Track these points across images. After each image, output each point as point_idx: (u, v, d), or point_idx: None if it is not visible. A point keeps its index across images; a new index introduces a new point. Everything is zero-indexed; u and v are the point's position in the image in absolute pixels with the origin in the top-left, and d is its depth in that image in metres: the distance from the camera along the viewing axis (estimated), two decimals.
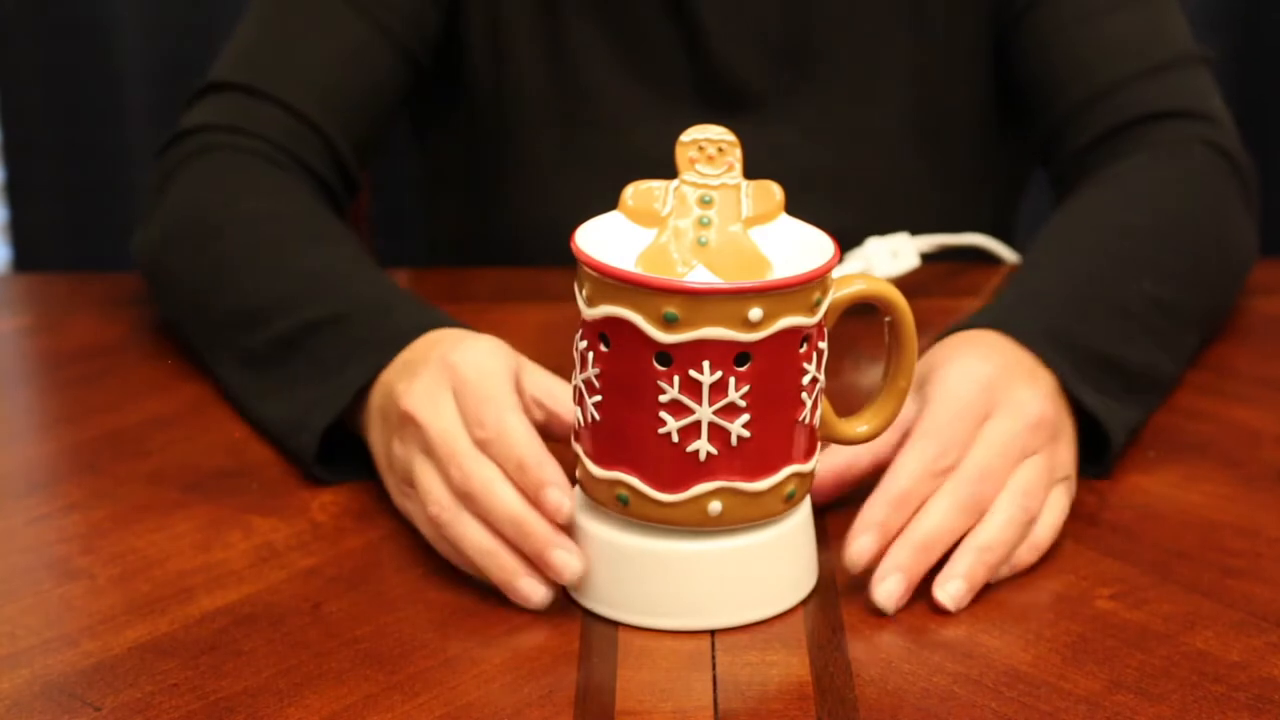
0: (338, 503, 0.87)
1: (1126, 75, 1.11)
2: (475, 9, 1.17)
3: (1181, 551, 0.83)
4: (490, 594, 0.78)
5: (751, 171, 0.77)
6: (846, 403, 0.82)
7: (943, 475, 0.78)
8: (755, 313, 0.71)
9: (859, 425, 0.79)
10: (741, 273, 0.75)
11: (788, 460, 0.75)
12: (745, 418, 0.73)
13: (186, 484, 0.89)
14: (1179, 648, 0.75)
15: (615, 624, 0.76)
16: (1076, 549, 0.83)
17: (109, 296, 1.14)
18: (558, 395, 0.82)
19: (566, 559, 0.76)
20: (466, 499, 0.77)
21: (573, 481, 0.77)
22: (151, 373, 1.02)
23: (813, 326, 0.73)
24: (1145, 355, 0.93)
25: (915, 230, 1.14)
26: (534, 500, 0.75)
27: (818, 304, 0.73)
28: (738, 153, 0.77)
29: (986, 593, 0.79)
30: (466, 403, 0.78)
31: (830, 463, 0.83)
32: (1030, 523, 0.80)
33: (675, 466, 0.74)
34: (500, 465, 0.76)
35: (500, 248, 1.22)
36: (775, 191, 0.77)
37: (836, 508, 0.84)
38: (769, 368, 0.73)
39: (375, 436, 0.85)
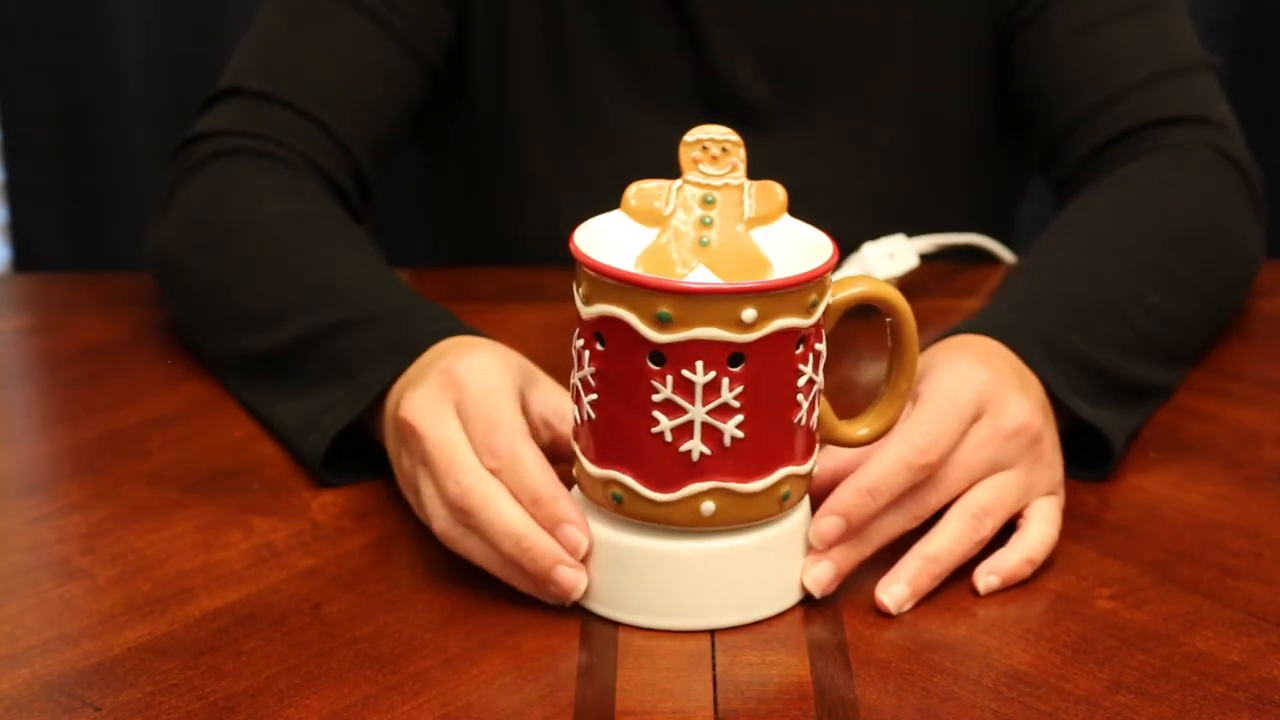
0: (338, 503, 0.87)
1: (1133, 82, 1.11)
2: (480, 20, 1.17)
3: (1181, 551, 0.83)
4: (490, 594, 0.78)
5: None
6: (848, 403, 0.82)
7: (921, 471, 0.77)
8: (748, 313, 0.71)
9: (860, 428, 0.78)
10: (742, 273, 0.75)
11: (783, 462, 0.75)
12: (739, 418, 0.73)
13: (186, 484, 0.89)
14: (1179, 648, 0.75)
15: (615, 624, 0.76)
16: (1076, 549, 0.83)
17: (109, 296, 1.14)
18: (567, 416, 0.81)
19: (574, 576, 0.76)
20: (464, 515, 0.76)
21: (571, 483, 0.78)
22: (151, 373, 1.02)
23: (809, 328, 0.73)
24: (1145, 367, 0.93)
25: (911, 237, 1.14)
26: (551, 535, 0.75)
27: (814, 306, 0.73)
28: (741, 153, 0.77)
29: (987, 593, 0.79)
30: (473, 425, 0.77)
31: (829, 463, 0.83)
32: (980, 542, 0.79)
33: (668, 466, 0.74)
34: (513, 495, 0.76)
35: (501, 258, 1.21)
36: (778, 192, 0.77)
37: None
38: (763, 369, 0.72)
39: (390, 445, 0.84)
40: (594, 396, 0.75)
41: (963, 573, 0.80)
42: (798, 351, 0.73)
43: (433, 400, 0.79)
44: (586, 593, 0.77)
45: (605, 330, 0.73)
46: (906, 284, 1.11)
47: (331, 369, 0.90)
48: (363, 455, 0.88)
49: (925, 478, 0.78)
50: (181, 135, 1.10)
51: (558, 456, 0.80)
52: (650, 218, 0.77)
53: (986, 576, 0.79)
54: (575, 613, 0.77)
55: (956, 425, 0.79)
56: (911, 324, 0.77)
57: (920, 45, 1.17)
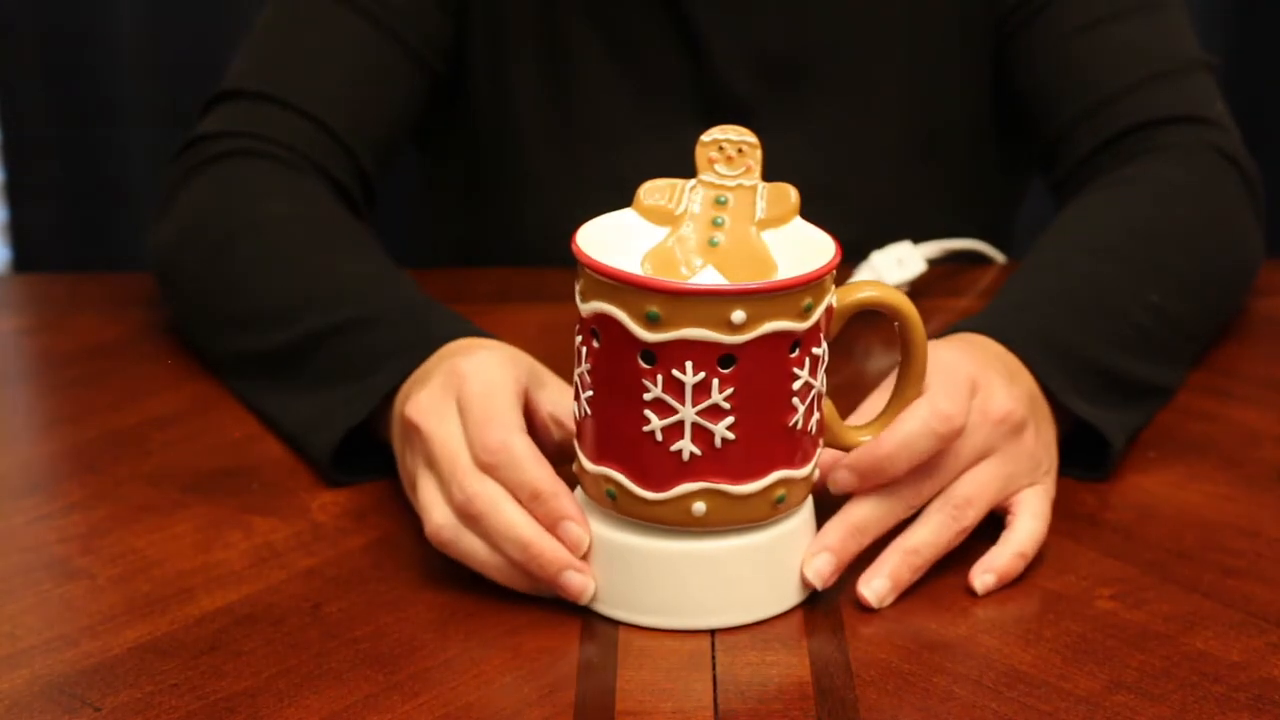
0: (338, 503, 0.87)
1: (1132, 81, 1.11)
2: (479, 23, 1.17)
3: (1181, 551, 0.83)
4: (490, 594, 0.78)
5: None
6: (857, 403, 0.82)
7: (943, 440, 0.77)
8: (738, 315, 0.71)
9: (865, 433, 0.78)
10: (749, 275, 0.75)
11: (776, 465, 0.75)
12: (729, 420, 0.73)
13: (186, 484, 0.89)
14: (1179, 648, 0.75)
15: (615, 624, 0.76)
16: (1076, 549, 0.83)
17: (109, 296, 1.14)
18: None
19: (582, 581, 0.76)
20: (470, 520, 0.76)
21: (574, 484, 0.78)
22: (151, 373, 1.02)
23: (804, 331, 0.73)
24: (1146, 367, 0.93)
25: (916, 242, 1.14)
26: (551, 532, 0.75)
27: (808, 310, 0.73)
28: (758, 154, 0.76)
29: (987, 593, 0.79)
30: (469, 421, 0.77)
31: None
32: (962, 532, 0.79)
33: (659, 465, 0.74)
34: (508, 489, 0.76)
35: (501, 258, 1.21)
36: (791, 194, 0.77)
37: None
38: (755, 371, 0.72)
39: (396, 444, 0.84)
40: (590, 393, 0.75)
41: (962, 573, 0.80)
42: (792, 355, 0.73)
43: (436, 400, 0.79)
44: None
45: (600, 327, 0.73)
46: (913, 289, 1.11)
47: (341, 368, 0.90)
48: (368, 455, 0.88)
49: (951, 440, 0.77)
50: (184, 136, 1.10)
51: (568, 456, 0.80)
52: (661, 217, 0.77)
53: (983, 576, 0.79)
54: (575, 612, 0.77)
55: (968, 397, 0.78)
56: (920, 329, 0.76)
57: (918, 46, 1.17)
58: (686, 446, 0.73)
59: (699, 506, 0.74)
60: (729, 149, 0.76)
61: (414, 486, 0.80)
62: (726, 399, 0.72)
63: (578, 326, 0.75)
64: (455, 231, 1.30)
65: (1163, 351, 0.95)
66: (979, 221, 1.22)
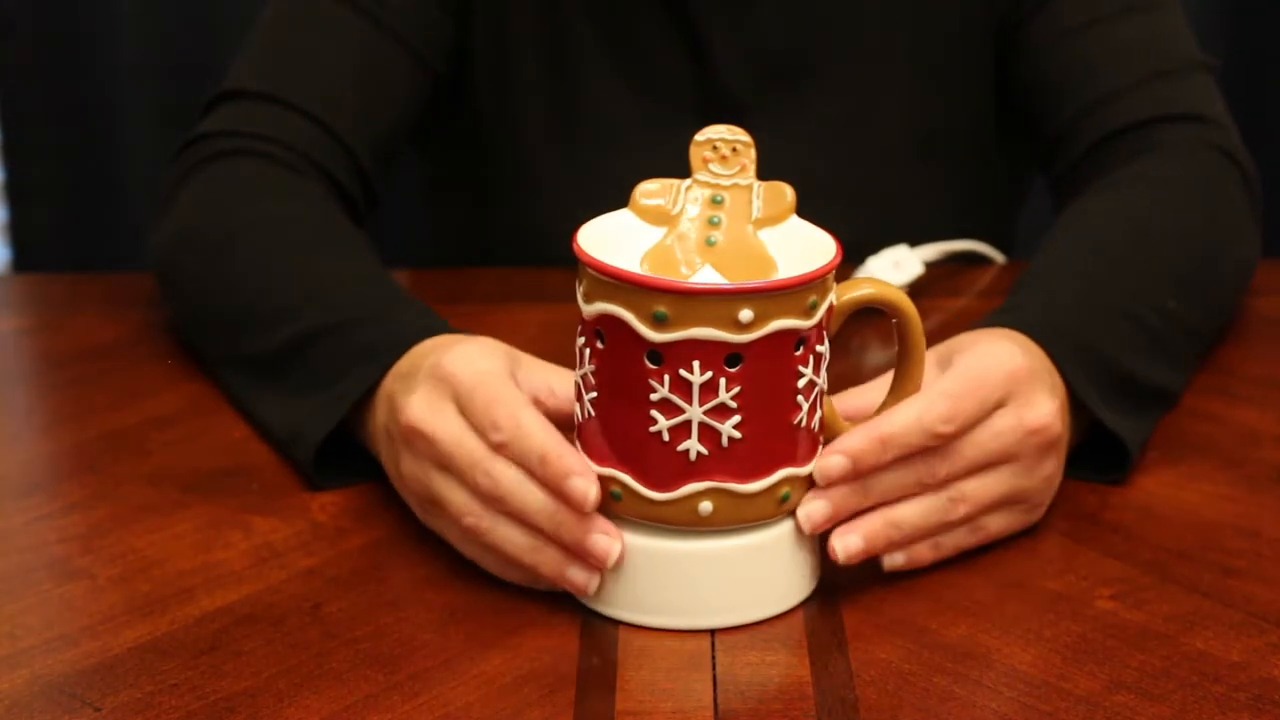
0: (338, 503, 0.87)
1: (1133, 80, 1.11)
2: (480, 23, 1.17)
3: (1181, 551, 0.83)
4: (490, 594, 0.78)
5: None
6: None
7: (933, 439, 0.76)
8: (745, 314, 0.71)
9: None
10: (748, 274, 0.75)
11: (782, 463, 0.75)
12: (736, 419, 0.73)
13: (186, 484, 0.89)
14: (1179, 648, 0.75)
15: (615, 624, 0.76)
16: (1076, 549, 0.83)
17: (109, 296, 1.15)
18: (556, 389, 0.80)
19: (607, 543, 0.75)
20: (498, 502, 0.76)
21: None
22: (151, 373, 1.02)
23: (809, 329, 0.73)
24: (1161, 372, 0.92)
25: (916, 242, 1.14)
26: (557, 492, 0.74)
27: (813, 307, 0.73)
28: (752, 154, 0.76)
29: (987, 593, 0.79)
30: (474, 409, 0.77)
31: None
32: (948, 525, 0.79)
33: (666, 465, 0.74)
34: (521, 464, 0.75)
35: (501, 258, 1.21)
36: (786, 193, 0.77)
37: None
38: (761, 370, 0.72)
39: (384, 451, 0.84)
40: (594, 394, 0.75)
41: (962, 573, 0.80)
42: (797, 353, 0.73)
43: (431, 401, 0.78)
44: None
45: (605, 328, 0.73)
46: (911, 291, 1.11)
47: (312, 376, 0.90)
48: (356, 459, 0.88)
49: (936, 445, 0.77)
50: (185, 136, 1.10)
51: (567, 425, 0.79)
52: (658, 217, 0.77)
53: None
54: (575, 613, 0.77)
55: (981, 404, 0.78)
56: (918, 326, 0.76)
57: (919, 46, 1.17)
58: (693, 446, 0.73)
59: (706, 506, 0.74)
60: (723, 148, 0.76)
61: (424, 493, 0.80)
62: (733, 398, 0.72)
63: (580, 328, 0.75)
64: (455, 231, 1.30)
65: (1174, 355, 0.94)
66: (980, 221, 1.22)
